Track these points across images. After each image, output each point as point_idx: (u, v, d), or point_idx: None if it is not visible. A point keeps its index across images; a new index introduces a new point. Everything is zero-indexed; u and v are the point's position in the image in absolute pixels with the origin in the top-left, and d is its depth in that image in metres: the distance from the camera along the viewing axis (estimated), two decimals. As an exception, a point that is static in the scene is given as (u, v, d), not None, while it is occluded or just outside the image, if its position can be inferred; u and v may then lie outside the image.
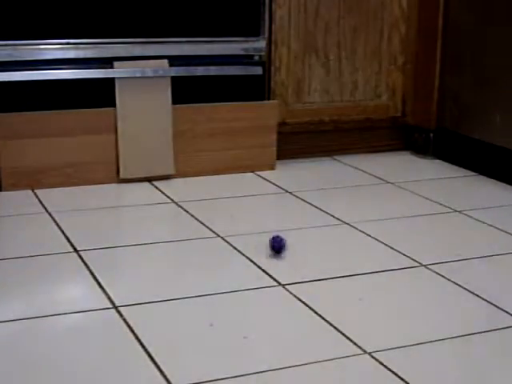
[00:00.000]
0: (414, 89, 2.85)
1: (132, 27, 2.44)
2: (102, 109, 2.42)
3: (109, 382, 1.34)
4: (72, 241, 1.97)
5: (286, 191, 2.43)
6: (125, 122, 2.43)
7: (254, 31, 2.58)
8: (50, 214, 2.16)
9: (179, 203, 2.28)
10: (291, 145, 2.77)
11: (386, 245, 1.99)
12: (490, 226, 2.15)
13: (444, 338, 1.51)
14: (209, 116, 2.54)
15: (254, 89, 2.62)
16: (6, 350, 1.44)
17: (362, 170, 2.68)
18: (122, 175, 2.44)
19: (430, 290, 1.75)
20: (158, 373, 1.36)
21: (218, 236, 2.03)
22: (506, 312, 1.62)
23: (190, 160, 2.53)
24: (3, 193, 2.33)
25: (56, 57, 2.37)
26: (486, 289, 1.74)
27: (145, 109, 2.46)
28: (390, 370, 1.39)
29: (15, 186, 2.35)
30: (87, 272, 1.78)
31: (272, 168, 2.64)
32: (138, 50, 2.45)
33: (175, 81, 2.49)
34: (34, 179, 2.36)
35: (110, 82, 2.42)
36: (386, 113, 2.85)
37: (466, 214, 2.25)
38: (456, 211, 2.28)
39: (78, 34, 2.38)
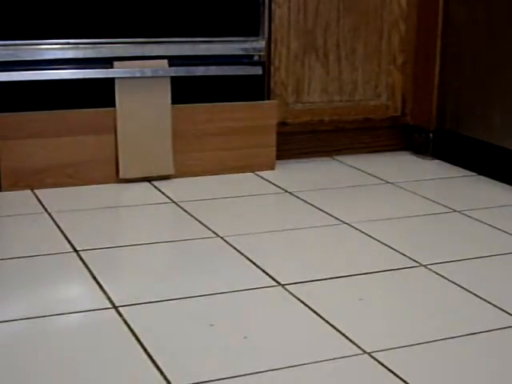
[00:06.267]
0: (413, 89, 2.85)
1: (132, 27, 2.44)
2: (102, 109, 2.42)
3: (108, 382, 1.34)
4: (72, 241, 1.97)
5: (286, 191, 2.43)
6: (124, 122, 2.43)
7: (253, 31, 2.58)
8: (49, 214, 2.16)
9: (179, 203, 2.28)
10: (291, 145, 2.77)
11: (386, 245, 1.99)
12: (490, 226, 2.15)
13: (444, 338, 1.51)
14: (208, 116, 2.54)
15: (254, 89, 2.62)
16: (6, 350, 1.44)
17: (361, 170, 2.68)
18: (121, 175, 2.44)
19: (430, 290, 1.75)
20: (158, 373, 1.36)
21: (218, 236, 2.03)
22: (506, 312, 1.63)
23: (190, 160, 2.53)
24: (3, 193, 2.33)
25: (56, 57, 2.37)
26: (486, 289, 1.74)
27: (144, 109, 2.46)
28: (389, 370, 1.39)
29: (15, 186, 2.35)
30: (87, 272, 1.78)
31: (272, 168, 2.64)
32: (137, 50, 2.45)
33: (175, 81, 2.49)
34: (33, 179, 2.36)
35: (109, 82, 2.42)
36: (386, 113, 2.85)
37: (465, 214, 2.25)
38: (456, 211, 2.28)
39: (78, 33, 2.38)
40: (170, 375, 1.36)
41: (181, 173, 2.52)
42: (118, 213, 2.27)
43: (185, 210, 2.22)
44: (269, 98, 2.66)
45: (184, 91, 2.52)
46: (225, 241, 2.00)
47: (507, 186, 2.52)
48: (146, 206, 2.27)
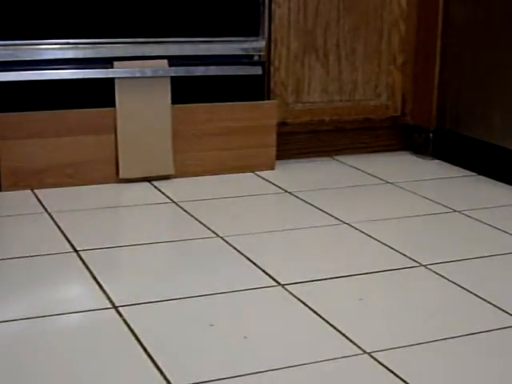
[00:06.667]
0: (413, 89, 2.85)
1: (132, 27, 2.44)
2: (102, 109, 2.42)
3: (108, 382, 1.34)
4: (72, 241, 1.97)
5: (286, 191, 2.43)
6: (124, 121, 2.43)
7: (253, 31, 2.58)
8: (49, 214, 2.16)
9: (179, 203, 2.28)
10: (291, 145, 2.77)
11: (386, 245, 1.99)
12: (490, 225, 2.15)
13: (444, 338, 1.51)
14: (208, 116, 2.54)
15: (254, 89, 2.62)
16: (6, 350, 1.44)
17: (361, 170, 2.68)
18: (121, 175, 2.44)
19: (430, 290, 1.75)
20: (157, 373, 1.36)
21: (218, 236, 2.03)
22: (506, 312, 1.63)
23: (190, 160, 2.53)
24: (3, 193, 2.33)
25: (56, 57, 2.37)
26: (486, 289, 1.74)
27: (144, 109, 2.46)
28: (389, 370, 1.39)
29: (15, 186, 2.35)
30: (87, 272, 1.78)
31: (272, 168, 2.64)
32: (137, 50, 2.45)
33: (175, 81, 2.49)
34: (33, 179, 2.36)
35: (109, 82, 2.42)
36: (386, 113, 2.85)
37: (465, 214, 2.25)
38: (456, 211, 2.28)
39: (77, 34, 2.38)
40: (170, 375, 1.36)
41: (181, 173, 2.52)
42: (118, 213, 2.27)
43: (185, 210, 2.22)
44: (269, 98, 2.66)
45: (184, 91, 2.52)
46: (225, 241, 2.00)
47: (507, 186, 2.52)
48: (146, 206, 2.27)
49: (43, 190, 2.35)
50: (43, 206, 2.22)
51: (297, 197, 2.38)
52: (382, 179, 2.58)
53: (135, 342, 1.47)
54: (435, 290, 1.75)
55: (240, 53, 2.59)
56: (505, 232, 2.11)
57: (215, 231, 2.06)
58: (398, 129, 2.93)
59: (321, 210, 2.25)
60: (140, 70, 2.43)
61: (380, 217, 2.21)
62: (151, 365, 1.39)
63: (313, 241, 2.04)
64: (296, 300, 1.66)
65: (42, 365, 1.39)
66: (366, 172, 2.66)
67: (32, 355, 1.42)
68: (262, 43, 2.60)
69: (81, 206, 2.24)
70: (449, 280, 1.79)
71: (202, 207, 2.25)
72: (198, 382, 1.34)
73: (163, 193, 2.38)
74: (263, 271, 1.81)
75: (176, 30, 2.49)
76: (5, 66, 2.32)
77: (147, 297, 1.66)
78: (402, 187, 2.50)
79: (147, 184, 2.46)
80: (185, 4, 2.49)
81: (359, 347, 1.47)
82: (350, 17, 2.71)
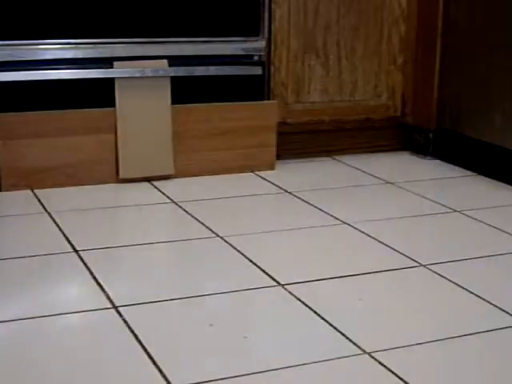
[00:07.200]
0: (413, 89, 2.85)
1: (132, 27, 2.44)
2: (102, 109, 2.42)
3: (108, 382, 1.34)
4: (72, 241, 1.97)
5: (286, 191, 2.43)
6: (124, 122, 2.43)
7: (253, 31, 2.58)
8: (49, 214, 2.16)
9: (179, 203, 2.28)
10: (291, 145, 2.77)
11: (386, 245, 1.99)
12: (490, 225, 2.15)
13: (444, 338, 1.51)
14: (208, 116, 2.54)
15: (254, 89, 2.62)
16: (6, 350, 1.44)
17: (361, 170, 2.68)
18: (121, 175, 2.44)
19: (430, 290, 1.75)
20: (157, 373, 1.36)
21: (218, 236, 2.03)
22: (506, 312, 1.62)
23: (190, 160, 2.53)
24: (3, 193, 2.33)
25: (56, 57, 2.37)
26: (486, 289, 1.74)
27: (144, 109, 2.46)
28: (389, 370, 1.39)
29: (15, 186, 2.35)
30: (87, 272, 1.78)
31: (272, 168, 2.64)
32: (137, 50, 2.45)
33: (175, 81, 2.49)
34: (33, 179, 2.36)
35: (109, 82, 2.42)
36: (386, 113, 2.85)
37: (465, 214, 2.25)
38: (456, 211, 2.28)
39: (77, 34, 2.38)
40: (170, 375, 1.35)
41: (181, 173, 2.52)
42: (118, 213, 2.27)
43: (185, 210, 2.22)
44: (269, 98, 2.66)
45: (184, 91, 2.52)
46: (225, 241, 2.00)
47: (507, 186, 2.52)
48: (146, 206, 2.27)
49: (43, 190, 2.35)
50: (43, 206, 2.22)
51: (297, 197, 2.38)
52: (382, 179, 2.58)
53: (135, 341, 1.47)
54: (435, 289, 1.75)
55: (240, 53, 2.59)
56: (505, 232, 2.11)
57: (215, 231, 2.06)
58: (398, 129, 2.93)
59: (321, 209, 2.25)
60: (140, 70, 2.43)
61: (380, 217, 2.21)
62: (151, 365, 1.39)
63: (313, 241, 2.04)
64: (296, 300, 1.66)
65: (42, 365, 1.39)
66: (366, 172, 2.66)
67: (32, 355, 1.42)
68: (262, 43, 2.60)
69: (81, 205, 2.24)
70: (449, 280, 1.78)
71: (202, 207, 2.25)
72: (197, 381, 1.34)
73: (163, 193, 2.38)
74: (263, 271, 1.81)
75: (176, 30, 2.49)
76: (5, 66, 2.32)
77: (147, 297, 1.66)
78: (401, 187, 2.50)
79: (147, 184, 2.46)
80: (185, 4, 2.49)
81: (359, 347, 1.47)
82: (350, 17, 2.71)
